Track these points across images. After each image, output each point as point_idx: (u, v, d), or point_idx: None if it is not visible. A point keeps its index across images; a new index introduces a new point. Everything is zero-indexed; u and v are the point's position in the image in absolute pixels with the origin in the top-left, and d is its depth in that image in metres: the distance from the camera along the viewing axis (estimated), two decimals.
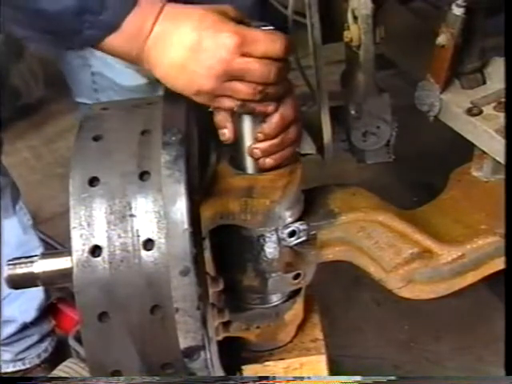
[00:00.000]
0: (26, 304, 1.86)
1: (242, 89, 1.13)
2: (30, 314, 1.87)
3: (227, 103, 1.15)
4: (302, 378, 1.30)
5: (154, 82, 1.79)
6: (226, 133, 1.20)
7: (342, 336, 1.92)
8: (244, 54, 1.10)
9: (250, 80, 1.12)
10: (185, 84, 1.10)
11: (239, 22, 1.12)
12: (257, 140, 1.21)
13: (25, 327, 1.87)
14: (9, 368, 1.91)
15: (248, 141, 1.23)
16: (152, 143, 1.03)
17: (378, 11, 1.36)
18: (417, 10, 1.73)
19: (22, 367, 1.92)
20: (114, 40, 1.09)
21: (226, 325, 1.31)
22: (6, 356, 1.89)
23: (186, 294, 0.96)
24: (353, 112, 1.44)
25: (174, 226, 0.96)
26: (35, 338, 1.91)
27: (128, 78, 1.79)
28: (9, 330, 1.85)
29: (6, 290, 1.75)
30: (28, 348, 1.91)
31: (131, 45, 1.10)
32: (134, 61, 1.13)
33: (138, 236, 0.98)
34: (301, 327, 1.45)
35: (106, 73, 1.78)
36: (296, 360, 1.41)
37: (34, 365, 1.93)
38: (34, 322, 1.89)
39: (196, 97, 1.12)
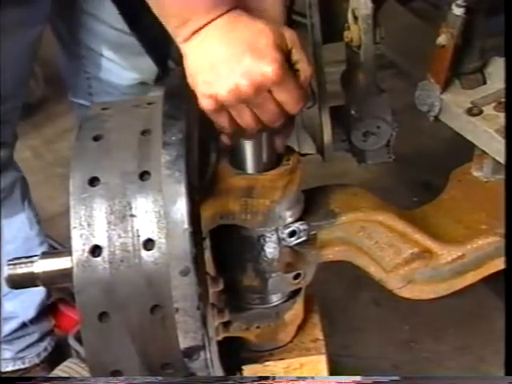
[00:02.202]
0: (28, 300, 1.86)
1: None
2: (31, 311, 1.87)
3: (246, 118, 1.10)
4: (302, 378, 1.30)
5: (148, 84, 1.82)
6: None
7: (342, 336, 1.92)
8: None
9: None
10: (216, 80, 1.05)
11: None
12: None
13: (26, 324, 1.87)
14: (8, 367, 1.91)
15: (248, 141, 1.23)
16: (152, 143, 1.03)
17: (378, 11, 1.36)
18: (417, 10, 1.73)
19: (22, 366, 1.92)
20: None
21: (226, 325, 1.31)
22: (7, 354, 1.90)
23: (186, 293, 0.96)
24: (353, 112, 1.44)
25: (174, 225, 0.96)
26: (35, 336, 1.92)
27: (124, 79, 1.80)
28: (10, 326, 1.86)
29: None
30: (28, 347, 1.91)
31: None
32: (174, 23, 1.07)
33: (138, 236, 0.98)
34: (301, 327, 1.45)
35: (101, 76, 1.79)
36: (296, 360, 1.41)
37: (33, 364, 1.93)
38: (35, 320, 1.89)
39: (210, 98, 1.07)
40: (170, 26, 1.07)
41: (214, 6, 1.04)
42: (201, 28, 1.05)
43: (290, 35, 1.08)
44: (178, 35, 1.07)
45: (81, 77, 1.82)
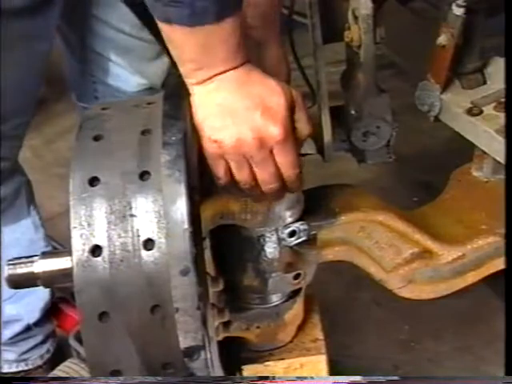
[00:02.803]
0: (33, 304, 1.86)
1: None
2: (35, 314, 1.87)
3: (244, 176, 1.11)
4: (302, 379, 1.30)
5: (154, 88, 1.81)
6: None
7: (342, 336, 1.92)
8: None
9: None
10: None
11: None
12: None
13: (30, 327, 1.87)
14: (12, 368, 1.91)
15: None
16: (152, 143, 1.03)
17: (378, 11, 1.36)
18: (417, 10, 1.73)
19: (25, 368, 1.92)
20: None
21: (226, 325, 1.31)
22: (10, 356, 1.89)
23: (186, 293, 0.96)
24: (353, 112, 1.44)
25: (174, 225, 0.96)
26: (39, 338, 1.91)
27: (130, 84, 1.80)
28: (14, 329, 1.85)
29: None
30: (32, 348, 1.91)
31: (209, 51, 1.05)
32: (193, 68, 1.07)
33: (139, 236, 0.98)
34: (301, 327, 1.46)
35: (108, 81, 1.79)
36: (296, 360, 1.41)
37: (36, 366, 1.93)
38: (39, 323, 1.89)
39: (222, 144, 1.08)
40: (185, 69, 1.08)
41: (231, 56, 1.06)
42: (215, 75, 1.07)
43: (295, 95, 1.11)
44: (191, 78, 1.08)
45: (87, 80, 1.81)
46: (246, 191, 1.15)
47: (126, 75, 1.78)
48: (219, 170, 1.11)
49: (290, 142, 1.10)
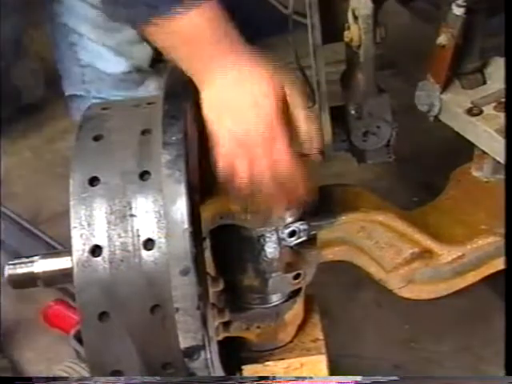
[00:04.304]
0: None
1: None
2: None
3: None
4: (302, 378, 1.30)
5: (143, 70, 1.81)
6: None
7: (342, 336, 1.92)
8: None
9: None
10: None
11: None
12: None
13: None
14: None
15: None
16: (152, 143, 1.03)
17: (379, 11, 1.36)
18: (417, 10, 1.73)
19: None
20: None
21: (226, 325, 1.31)
22: None
23: (186, 293, 0.96)
24: (353, 112, 1.44)
25: (174, 225, 0.96)
26: None
27: (117, 66, 1.80)
28: None
29: None
30: None
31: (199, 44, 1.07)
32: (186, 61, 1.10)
33: (139, 236, 0.98)
34: (301, 327, 1.45)
35: (95, 64, 1.79)
36: (296, 360, 1.41)
37: None
38: None
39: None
40: (184, 66, 1.10)
41: (222, 47, 1.08)
42: (214, 68, 1.09)
43: (289, 95, 1.13)
44: (191, 74, 1.11)
45: (74, 65, 1.82)
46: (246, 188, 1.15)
47: (112, 57, 1.78)
48: (220, 162, 1.12)
49: (280, 141, 1.11)
